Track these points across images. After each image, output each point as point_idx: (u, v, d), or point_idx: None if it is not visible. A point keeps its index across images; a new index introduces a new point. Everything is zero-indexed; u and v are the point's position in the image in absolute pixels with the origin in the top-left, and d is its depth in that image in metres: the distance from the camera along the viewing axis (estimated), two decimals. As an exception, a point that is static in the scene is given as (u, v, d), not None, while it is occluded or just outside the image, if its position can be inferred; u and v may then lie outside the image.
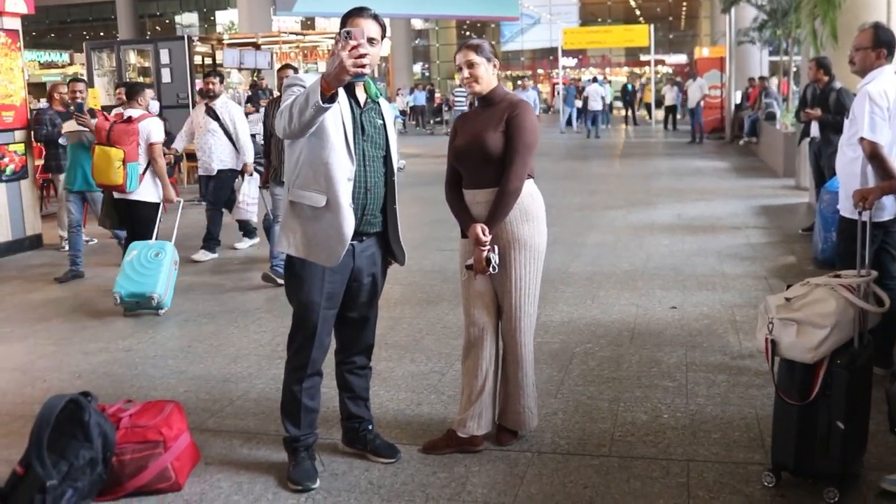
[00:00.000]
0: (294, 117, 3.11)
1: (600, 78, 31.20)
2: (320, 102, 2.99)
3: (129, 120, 6.95)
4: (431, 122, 32.29)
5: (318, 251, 3.37)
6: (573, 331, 5.60)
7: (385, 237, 3.62)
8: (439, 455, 3.75)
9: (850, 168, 4.56)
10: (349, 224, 3.33)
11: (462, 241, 3.77)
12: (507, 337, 3.77)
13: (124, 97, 9.10)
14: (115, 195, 7.01)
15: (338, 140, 3.31)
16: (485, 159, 3.62)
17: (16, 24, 9.34)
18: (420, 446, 3.83)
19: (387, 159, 3.54)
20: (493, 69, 3.70)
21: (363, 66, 2.93)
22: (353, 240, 3.42)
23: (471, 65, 3.66)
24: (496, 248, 3.61)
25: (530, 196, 3.69)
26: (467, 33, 52.08)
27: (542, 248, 3.75)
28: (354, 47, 2.91)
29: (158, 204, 7.07)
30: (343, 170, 3.32)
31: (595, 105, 24.47)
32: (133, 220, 7.03)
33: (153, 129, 7.03)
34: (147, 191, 6.96)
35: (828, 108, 7.90)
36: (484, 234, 3.56)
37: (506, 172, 3.58)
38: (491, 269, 3.59)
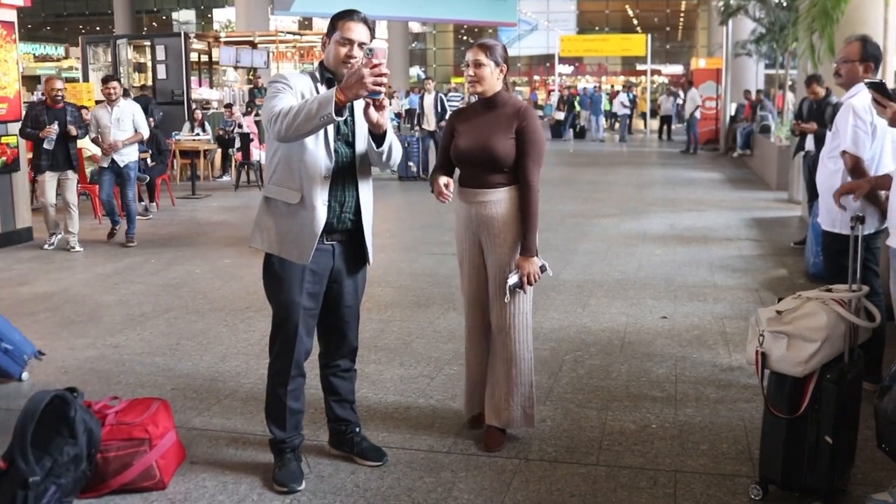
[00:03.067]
0: (297, 123, 3.08)
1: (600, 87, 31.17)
2: (333, 115, 2.99)
3: None
4: (425, 125, 32.25)
5: (291, 248, 3.36)
6: (563, 338, 5.59)
7: (360, 235, 3.53)
8: (432, 453, 3.75)
9: (831, 181, 4.57)
10: (320, 222, 3.33)
11: (459, 207, 3.83)
12: (501, 335, 3.79)
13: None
14: None
15: (315, 138, 3.29)
16: (493, 165, 3.68)
17: (11, 15, 9.29)
18: (405, 448, 3.83)
19: (359, 155, 3.47)
20: (499, 73, 3.73)
21: (381, 84, 2.95)
22: (332, 240, 3.42)
23: (477, 64, 3.69)
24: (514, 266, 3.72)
25: None
26: (465, 38, 52.13)
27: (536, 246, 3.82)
28: (376, 66, 2.93)
29: None
30: (320, 168, 3.32)
31: (622, 111, 26.51)
32: None
33: None
34: None
35: (824, 122, 7.93)
36: (448, 188, 3.63)
37: (525, 180, 3.67)
38: (542, 275, 3.75)
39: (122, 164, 9.31)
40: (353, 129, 3.45)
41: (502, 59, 3.73)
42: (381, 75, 2.94)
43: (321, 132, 3.30)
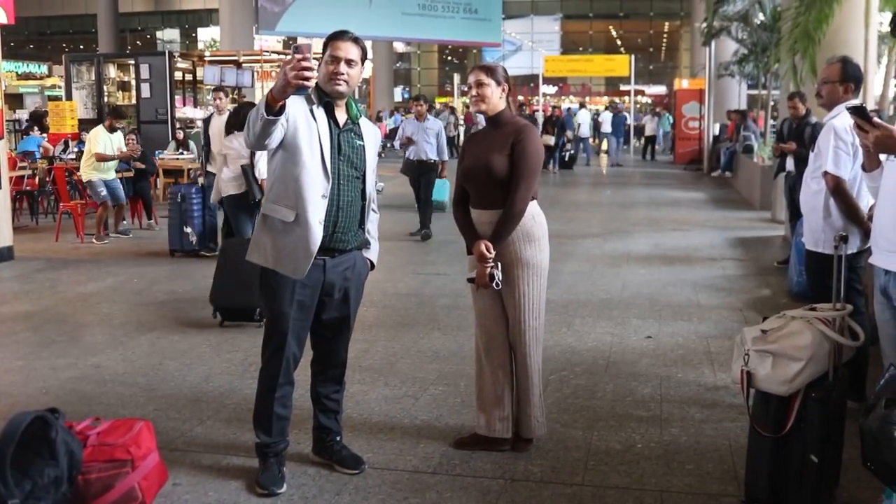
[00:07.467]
0: (250, 129, 3.25)
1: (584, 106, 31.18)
2: (265, 115, 3.14)
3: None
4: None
5: (286, 263, 3.46)
6: (548, 358, 5.55)
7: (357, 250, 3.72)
8: (417, 473, 3.72)
9: (813, 201, 4.60)
10: (315, 240, 3.42)
11: (470, 256, 3.90)
12: (516, 348, 3.94)
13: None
14: None
15: (311, 158, 3.40)
16: (491, 181, 3.78)
17: (-5, 33, 9.28)
18: (390, 469, 3.81)
19: (363, 179, 3.60)
20: (500, 92, 3.85)
21: (306, 78, 3.03)
22: (324, 255, 3.50)
23: (480, 84, 3.82)
24: (499, 264, 3.76)
25: (532, 218, 3.87)
26: (449, 58, 52.32)
27: (544, 265, 3.93)
28: (299, 61, 3.00)
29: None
30: (316, 187, 3.41)
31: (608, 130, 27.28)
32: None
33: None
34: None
35: (803, 142, 7.98)
36: (488, 251, 3.71)
37: (510, 196, 3.74)
38: (494, 284, 3.74)
39: None
40: (359, 153, 3.56)
41: (503, 79, 3.86)
42: (304, 69, 3.01)
43: (317, 152, 3.40)
